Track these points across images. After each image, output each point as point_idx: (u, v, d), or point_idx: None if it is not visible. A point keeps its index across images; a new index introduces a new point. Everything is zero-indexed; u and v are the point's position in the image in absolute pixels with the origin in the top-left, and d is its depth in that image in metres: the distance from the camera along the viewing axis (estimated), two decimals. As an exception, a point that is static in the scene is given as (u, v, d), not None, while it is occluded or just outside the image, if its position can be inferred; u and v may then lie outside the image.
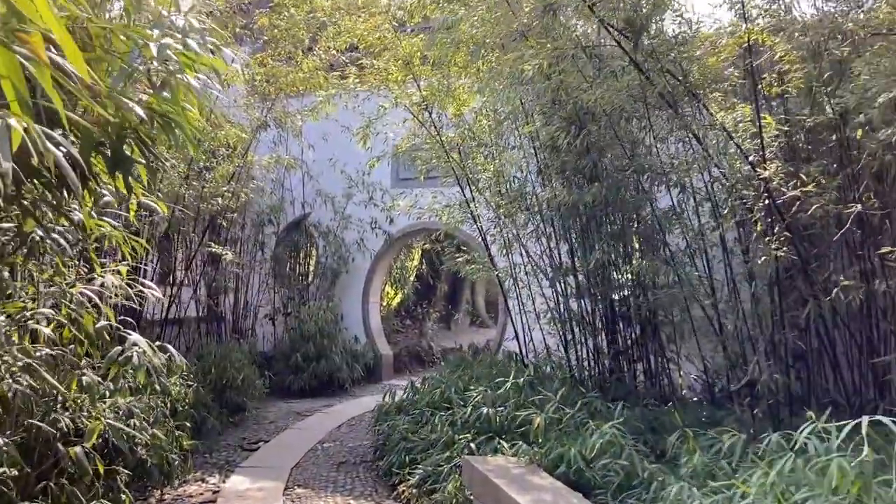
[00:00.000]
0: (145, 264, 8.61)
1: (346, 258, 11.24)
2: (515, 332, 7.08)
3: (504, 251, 7.32)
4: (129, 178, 2.81)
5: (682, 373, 6.64)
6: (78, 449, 3.88)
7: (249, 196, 9.77)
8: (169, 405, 6.41)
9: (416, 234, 12.45)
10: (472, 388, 6.41)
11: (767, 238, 4.80)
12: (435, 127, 6.46)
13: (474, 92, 6.83)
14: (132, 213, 4.36)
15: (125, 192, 2.87)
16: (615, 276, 6.43)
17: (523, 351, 7.02)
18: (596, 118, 5.32)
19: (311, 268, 11.93)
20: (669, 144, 5.48)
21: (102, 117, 2.67)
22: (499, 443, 4.91)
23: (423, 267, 15.64)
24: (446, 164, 7.00)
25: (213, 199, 8.66)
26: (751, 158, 4.95)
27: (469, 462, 4.39)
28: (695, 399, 6.60)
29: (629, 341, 6.69)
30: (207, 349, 8.15)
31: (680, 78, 5.00)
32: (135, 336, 3.84)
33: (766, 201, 4.89)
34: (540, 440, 4.45)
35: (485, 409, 5.17)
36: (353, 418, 8.31)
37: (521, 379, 5.29)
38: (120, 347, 3.91)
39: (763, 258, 4.79)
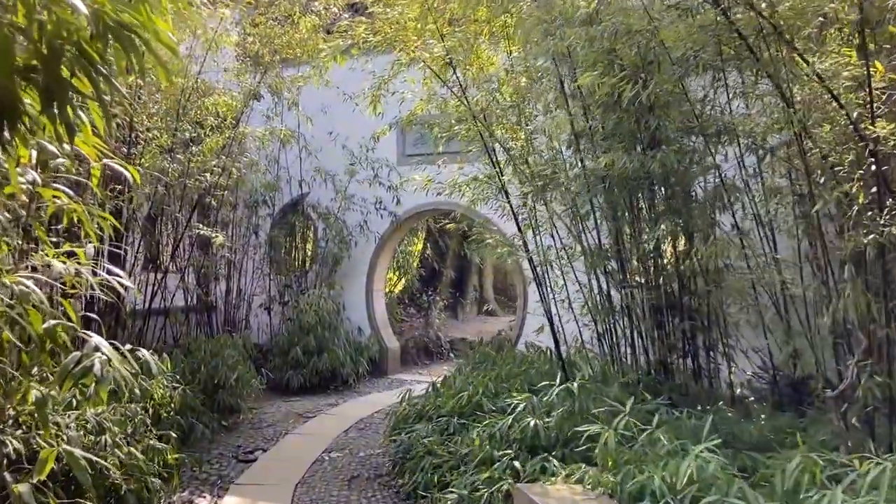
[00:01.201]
0: (125, 248, 7.71)
1: (348, 242, 10.34)
2: (551, 323, 6.20)
3: (531, 232, 6.45)
4: (68, 111, 1.90)
5: (736, 370, 5.82)
6: (24, 487, 2.99)
7: (242, 172, 8.83)
8: (151, 412, 5.55)
9: (424, 216, 11.56)
10: (505, 390, 5.58)
11: (871, 213, 3.95)
12: (461, 86, 5.54)
13: (505, 47, 5.92)
14: (94, 181, 3.46)
15: (64, 135, 1.96)
16: (668, 258, 5.57)
17: (558, 345, 6.15)
18: (662, 69, 4.43)
19: (310, 253, 11.02)
20: (746, 101, 4.59)
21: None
22: (551, 463, 4.05)
23: (428, 251, 14.75)
24: (469, 131, 6.09)
25: (201, 176, 7.73)
26: (854, 115, 4.07)
27: (523, 492, 3.54)
28: (751, 399, 5.80)
29: (680, 334, 5.86)
30: (196, 344, 7.26)
31: (766, 15, 4.11)
32: (95, 339, 2.95)
33: (873, 167, 4.03)
34: (610, 463, 3.59)
35: (531, 421, 4.30)
36: (362, 420, 7.45)
37: (574, 383, 4.42)
38: (78, 354, 3.02)
39: (870, 236, 3.93)
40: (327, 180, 10.09)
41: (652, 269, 5.56)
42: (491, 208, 6.77)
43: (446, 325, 13.50)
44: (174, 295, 8.48)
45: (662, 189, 5.06)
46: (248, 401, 7.42)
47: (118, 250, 7.84)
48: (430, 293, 14.05)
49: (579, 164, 5.22)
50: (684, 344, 5.81)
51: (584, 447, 3.98)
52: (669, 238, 5.14)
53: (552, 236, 6.29)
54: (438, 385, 6.55)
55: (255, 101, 9.21)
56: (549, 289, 6.54)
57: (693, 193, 5.10)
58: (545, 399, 4.53)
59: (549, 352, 6.77)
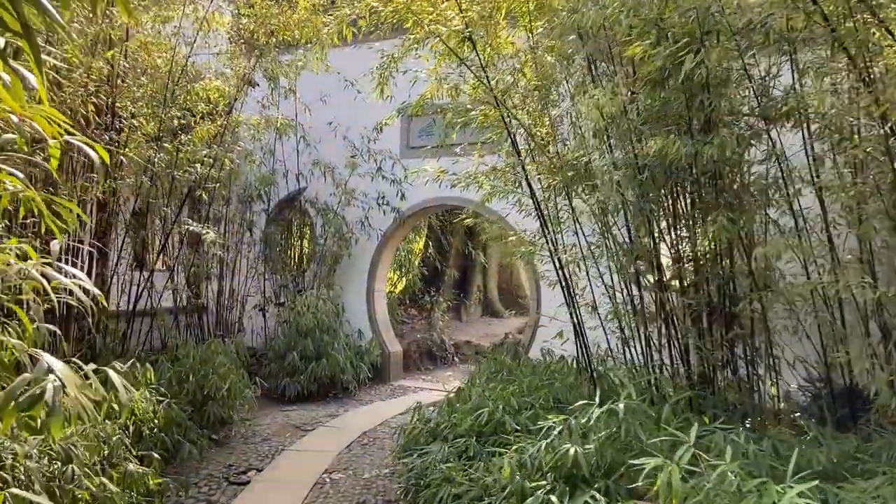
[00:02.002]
0: (110, 245, 7.11)
1: (349, 240, 9.73)
2: (578, 331, 5.63)
3: (552, 229, 5.88)
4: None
5: (778, 381, 5.26)
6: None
7: (235, 164, 8.23)
8: (132, 429, 4.96)
9: (430, 212, 10.96)
10: (527, 405, 5.01)
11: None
12: (481, 64, 4.93)
13: (525, 24, 5.32)
14: (54, 162, 2.86)
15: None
16: (713, 258, 5.00)
17: (588, 356, 5.57)
18: (721, 40, 3.85)
19: (308, 251, 10.41)
20: (817, 80, 4.01)
21: None
22: (593, 497, 3.47)
23: (430, 250, 14.16)
24: (488, 116, 5.50)
25: (191, 167, 7.12)
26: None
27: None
28: (796, 413, 5.25)
29: (723, 343, 5.29)
30: (185, 350, 6.64)
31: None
32: (47, 359, 2.35)
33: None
34: (674, 505, 3.01)
35: (569, 448, 3.71)
36: (365, 434, 6.85)
37: (620, 404, 3.83)
38: (28, 376, 2.42)
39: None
40: (326, 174, 9.48)
41: (694, 270, 4.99)
42: (507, 203, 6.18)
43: (450, 327, 12.92)
44: (161, 296, 7.87)
45: (713, 180, 4.47)
46: (240, 411, 6.83)
47: (104, 248, 7.31)
48: (432, 294, 13.46)
49: (613, 152, 4.63)
50: (727, 353, 5.26)
51: (630, 478, 3.40)
52: (718, 236, 4.56)
53: (576, 234, 5.71)
54: (452, 397, 5.98)
55: (250, 87, 8.62)
56: (569, 291, 5.97)
57: (748, 185, 4.52)
58: (583, 421, 3.94)
59: (572, 361, 6.20)
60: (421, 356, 11.22)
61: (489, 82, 4.90)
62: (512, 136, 5.04)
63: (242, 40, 7.88)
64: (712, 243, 4.88)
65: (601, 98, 3.82)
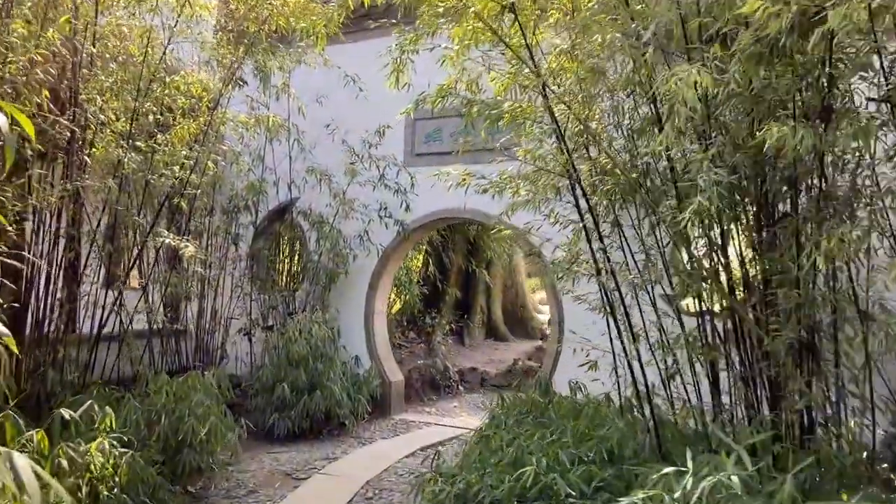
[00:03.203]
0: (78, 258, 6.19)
1: (346, 256, 8.80)
2: (622, 365, 4.76)
3: (588, 244, 5.04)
4: None
5: (857, 423, 4.41)
6: None
7: (219, 168, 7.32)
8: (86, 490, 4.02)
9: (440, 225, 10.07)
10: (575, 459, 4.12)
11: None
12: (525, 44, 4.06)
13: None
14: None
15: None
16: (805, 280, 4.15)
17: (650, 399, 4.68)
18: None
19: (300, 268, 9.48)
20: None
21: None
22: None
23: (430, 267, 13.25)
24: (522, 109, 4.62)
25: (168, 170, 6.21)
26: None
27: None
28: (883, 465, 4.39)
29: (810, 382, 4.44)
30: (157, 384, 5.68)
31: None
32: None
33: None
34: None
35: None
36: (369, 485, 5.90)
37: (732, 475, 2.92)
38: None
39: None
40: (322, 181, 8.58)
41: (779, 294, 4.12)
42: (537, 214, 5.31)
43: (452, 352, 11.99)
44: (132, 317, 6.91)
45: (818, 183, 3.61)
46: (222, 454, 5.86)
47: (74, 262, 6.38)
48: (432, 315, 12.54)
49: (706, 146, 3.76)
50: (821, 395, 4.40)
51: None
52: (833, 253, 3.70)
53: (622, 249, 4.85)
54: (477, 444, 5.08)
55: (237, 86, 7.74)
56: (625, 318, 5.09)
57: (859, 190, 3.67)
58: (676, 496, 3.02)
59: (613, 399, 5.32)
60: (423, 385, 10.28)
61: (534, 64, 4.03)
62: (560, 130, 4.16)
63: (230, 28, 7.00)
64: (812, 262, 4.04)
65: (698, 76, 2.95)
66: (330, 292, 8.91)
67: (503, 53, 4.65)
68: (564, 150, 4.15)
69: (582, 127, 4.18)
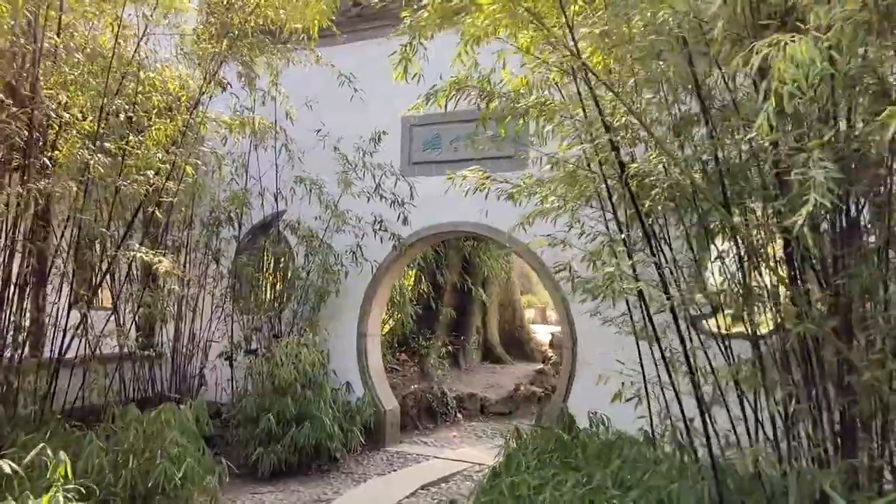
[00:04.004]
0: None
1: (337, 273, 8.15)
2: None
3: (606, 261, 4.48)
4: None
5: None
6: None
7: (198, 175, 6.68)
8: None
9: (437, 240, 9.46)
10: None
11: None
12: (567, 23, 3.49)
13: None
14: None
15: None
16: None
17: (708, 442, 4.08)
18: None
19: (287, 287, 8.81)
20: None
21: None
22: None
23: (423, 285, 12.60)
24: (545, 104, 4.05)
25: (142, 175, 5.55)
26: None
27: None
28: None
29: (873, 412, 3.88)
30: (126, 419, 4.98)
31: None
32: None
33: None
34: None
35: None
36: (368, 533, 5.23)
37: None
38: None
39: None
40: (312, 192, 7.94)
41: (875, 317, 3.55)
42: (557, 224, 4.72)
43: (448, 375, 11.33)
44: (98, 341, 6.22)
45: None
46: (200, 499, 5.16)
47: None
48: (427, 336, 11.90)
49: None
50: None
51: None
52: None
53: (658, 265, 4.27)
54: (489, 485, 4.45)
55: (221, 87, 7.14)
56: (658, 344, 4.51)
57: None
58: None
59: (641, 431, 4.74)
60: (419, 413, 9.61)
61: (574, 44, 3.46)
62: (607, 124, 3.58)
63: (212, 20, 6.39)
64: None
65: (806, 50, 2.38)
66: (319, 312, 8.25)
67: (519, 48, 4.10)
68: (610, 147, 3.57)
69: (628, 119, 3.60)
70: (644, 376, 5.06)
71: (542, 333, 14.65)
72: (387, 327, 12.20)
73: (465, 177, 4.31)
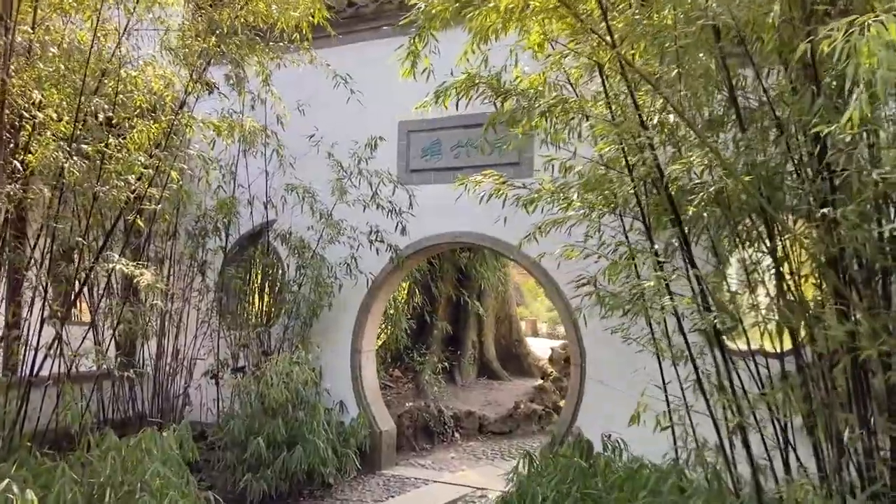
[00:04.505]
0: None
1: (330, 286, 7.76)
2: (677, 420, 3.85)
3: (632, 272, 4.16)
4: None
5: None
6: None
7: (183, 181, 6.30)
8: None
9: (437, 251, 9.08)
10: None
11: None
12: (603, 11, 3.15)
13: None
14: None
15: None
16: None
17: (755, 473, 3.73)
18: None
19: (277, 300, 8.42)
20: None
21: None
22: None
23: (416, 298, 12.21)
24: (564, 103, 3.72)
25: (122, 180, 5.16)
26: None
27: None
28: None
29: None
30: (102, 448, 4.57)
31: None
32: None
33: None
34: None
35: None
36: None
37: None
38: None
39: None
40: (304, 200, 7.56)
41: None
42: (578, 236, 4.40)
43: (444, 392, 10.93)
44: (75, 359, 5.80)
45: None
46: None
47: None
48: (421, 351, 11.51)
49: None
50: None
51: None
52: None
53: (697, 280, 3.94)
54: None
55: (208, 90, 6.79)
56: (693, 363, 4.18)
57: None
58: None
59: (667, 459, 4.40)
60: (415, 432, 9.21)
61: (611, 36, 3.12)
62: (644, 121, 3.25)
63: (200, 15, 6.02)
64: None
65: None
66: (311, 328, 7.85)
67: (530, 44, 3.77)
68: (647, 148, 3.23)
69: (663, 117, 3.27)
70: (666, 397, 4.74)
71: (538, 347, 14.26)
72: (379, 342, 11.79)
73: (479, 182, 3.95)
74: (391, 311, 10.62)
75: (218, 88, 7.10)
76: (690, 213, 3.22)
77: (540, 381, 11.81)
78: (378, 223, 7.51)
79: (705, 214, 3.34)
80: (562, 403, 10.36)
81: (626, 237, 4.11)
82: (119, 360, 6.81)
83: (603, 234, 4.42)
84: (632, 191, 3.66)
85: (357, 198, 7.44)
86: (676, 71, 3.47)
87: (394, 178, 7.52)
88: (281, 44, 6.53)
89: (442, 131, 7.64)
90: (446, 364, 11.89)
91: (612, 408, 6.43)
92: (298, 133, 7.66)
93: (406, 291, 12.45)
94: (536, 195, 3.97)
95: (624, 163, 3.65)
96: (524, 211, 4.32)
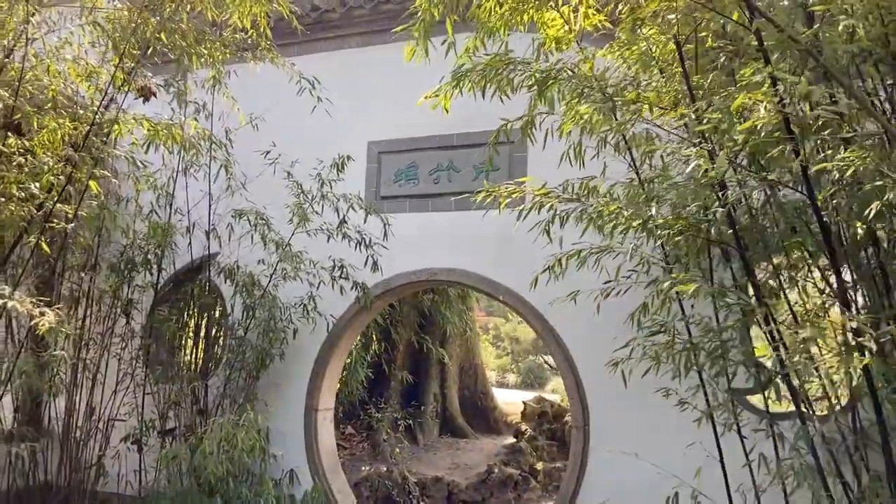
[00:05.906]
0: None
1: (282, 332, 6.60)
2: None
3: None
4: None
5: None
6: None
7: (105, 198, 5.14)
8: None
9: (409, 290, 7.97)
10: None
11: None
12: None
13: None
14: None
15: None
16: None
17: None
18: None
19: (218, 348, 7.20)
20: None
21: None
22: None
23: (374, 345, 11.09)
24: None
25: (25, 190, 4.00)
26: None
27: None
28: None
29: None
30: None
31: None
32: None
33: None
34: None
35: None
36: None
37: None
38: None
39: None
40: (256, 228, 6.44)
41: None
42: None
43: (405, 453, 9.78)
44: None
45: None
46: None
47: None
48: (379, 405, 10.37)
49: None
50: None
51: None
52: None
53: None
54: None
55: (143, 98, 5.70)
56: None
57: None
58: None
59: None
60: (376, 503, 8.02)
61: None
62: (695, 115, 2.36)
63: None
64: None
65: None
66: (258, 381, 6.67)
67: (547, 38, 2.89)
68: (706, 155, 2.34)
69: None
70: (725, 476, 3.83)
71: (503, 400, 13.26)
72: (330, 395, 10.59)
73: (515, 192, 2.98)
74: (347, 360, 9.49)
75: (156, 95, 6.01)
76: (860, 232, 2.31)
77: (510, 440, 10.77)
78: (344, 257, 6.44)
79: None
80: (539, 466, 9.37)
81: (712, 274, 3.19)
82: (16, 419, 5.60)
83: (649, 269, 3.52)
84: (724, 210, 2.75)
85: (320, 226, 6.36)
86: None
87: (364, 203, 6.50)
88: (236, 37, 5.52)
89: (418, 153, 6.73)
90: (407, 420, 10.75)
91: (624, 481, 5.52)
92: (251, 150, 6.59)
93: (362, 337, 11.31)
94: (595, 215, 3.01)
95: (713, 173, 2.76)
96: (540, 238, 3.37)
